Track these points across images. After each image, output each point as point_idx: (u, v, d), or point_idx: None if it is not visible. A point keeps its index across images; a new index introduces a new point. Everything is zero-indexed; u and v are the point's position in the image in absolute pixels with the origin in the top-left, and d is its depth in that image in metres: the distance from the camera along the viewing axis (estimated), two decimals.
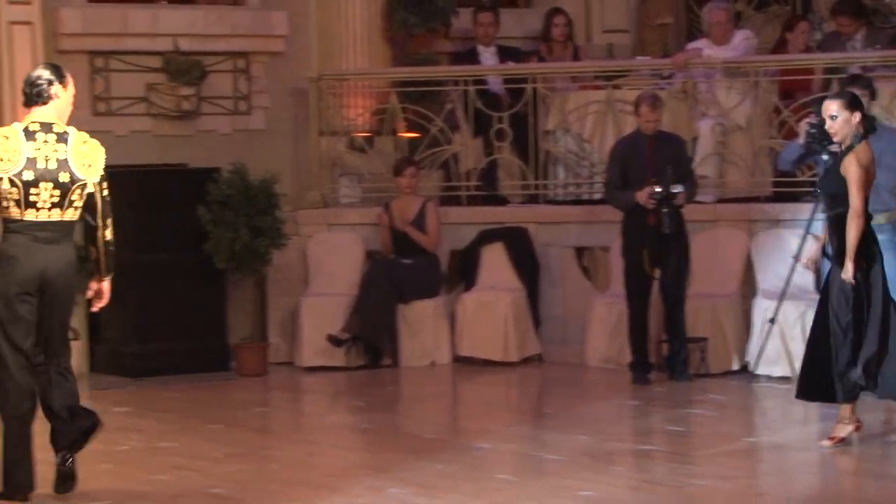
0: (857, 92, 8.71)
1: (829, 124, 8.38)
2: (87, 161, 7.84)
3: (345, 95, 12.92)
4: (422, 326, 12.01)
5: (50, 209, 7.70)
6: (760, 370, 10.84)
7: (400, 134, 12.83)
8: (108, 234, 7.90)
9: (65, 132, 7.84)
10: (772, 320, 10.72)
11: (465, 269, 12.35)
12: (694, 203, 11.10)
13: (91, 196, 7.83)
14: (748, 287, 11.39)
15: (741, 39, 12.37)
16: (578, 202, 12.42)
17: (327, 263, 12.32)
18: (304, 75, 12.81)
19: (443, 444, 8.95)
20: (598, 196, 12.06)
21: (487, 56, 13.06)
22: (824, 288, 8.62)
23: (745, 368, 11.00)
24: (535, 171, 12.43)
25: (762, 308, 10.95)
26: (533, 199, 12.59)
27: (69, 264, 7.82)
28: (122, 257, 11.86)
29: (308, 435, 9.50)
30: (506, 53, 13.11)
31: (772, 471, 8.33)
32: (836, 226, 8.42)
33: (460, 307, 12.03)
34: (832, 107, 8.37)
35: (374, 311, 11.83)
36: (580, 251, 12.27)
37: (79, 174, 7.77)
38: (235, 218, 11.68)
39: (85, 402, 10.92)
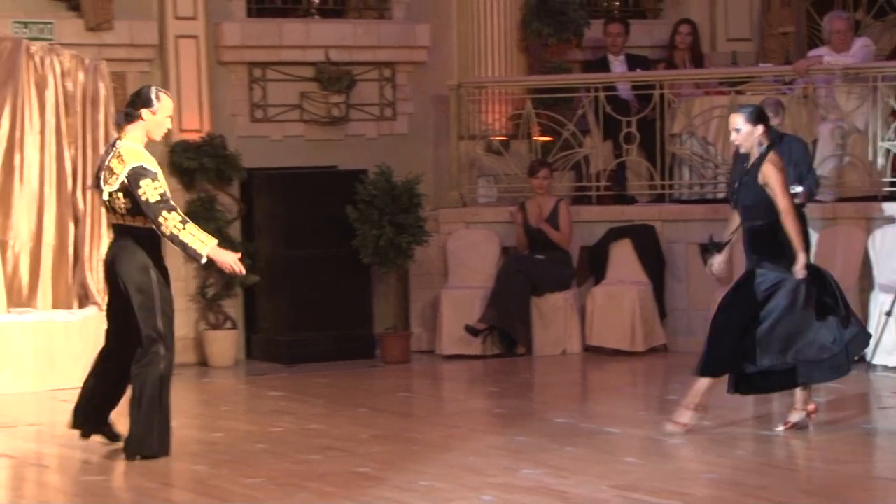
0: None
1: (733, 136, 8.35)
2: (113, 173, 7.95)
3: (483, 102, 12.89)
4: (554, 318, 11.94)
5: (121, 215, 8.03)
6: (877, 360, 10.62)
7: (534, 137, 12.77)
8: (165, 230, 7.87)
9: (115, 146, 8.10)
10: (888, 313, 10.52)
11: (594, 264, 12.27)
12: (814, 202, 10.89)
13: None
14: (866, 281, 11.17)
15: (860, 47, 12.12)
16: (703, 201, 12.27)
17: (465, 258, 12.30)
18: (445, 83, 12.81)
19: (573, 429, 8.87)
20: (721, 195, 11.91)
21: (617, 64, 12.96)
22: (744, 292, 8.40)
23: (862, 359, 10.76)
24: (662, 171, 12.30)
25: (879, 301, 10.77)
26: (659, 199, 12.45)
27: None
28: (277, 253, 12.07)
29: (447, 419, 9.49)
30: (634, 61, 13.00)
31: (888, 456, 8.13)
32: (754, 237, 8.32)
33: (590, 299, 11.94)
34: (736, 120, 8.33)
35: (510, 303, 11.79)
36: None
37: (102, 184, 7.97)
38: (381, 216, 11.72)
39: (242, 387, 11.14)
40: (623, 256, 12.07)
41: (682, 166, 12.48)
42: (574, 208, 12.25)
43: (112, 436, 8.34)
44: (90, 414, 8.30)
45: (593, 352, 11.86)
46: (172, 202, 7.94)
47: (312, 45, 12.56)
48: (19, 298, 11.00)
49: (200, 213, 11.92)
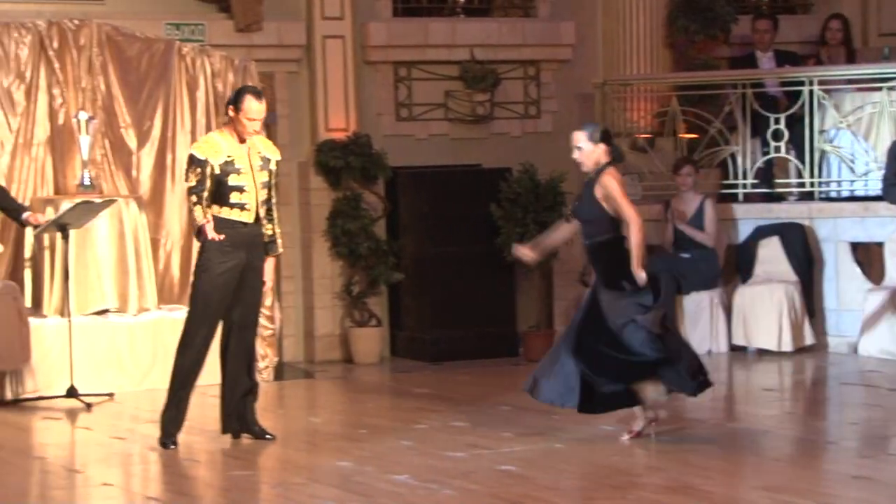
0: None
1: (574, 153, 8.21)
2: None
3: (628, 99, 12.77)
4: (699, 317, 11.79)
5: None
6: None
7: (680, 135, 12.62)
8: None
9: None
10: None
11: (741, 263, 12.08)
12: None
13: None
14: None
15: None
16: (853, 198, 12.01)
17: None
18: (589, 81, 12.73)
19: (719, 429, 8.75)
20: (872, 192, 11.65)
21: (765, 60, 12.74)
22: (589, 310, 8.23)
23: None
24: (811, 168, 12.06)
25: None
26: (808, 196, 12.21)
27: None
28: (421, 250, 12.10)
29: (592, 417, 9.36)
30: (783, 57, 12.76)
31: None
32: (596, 253, 8.20)
33: (737, 299, 11.76)
34: (578, 137, 8.18)
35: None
36: (854, 245, 11.86)
37: None
38: (524, 214, 11.69)
39: (386, 384, 11.19)
40: (771, 255, 11.87)
41: (832, 163, 12.22)
42: (721, 206, 12.08)
43: (259, 434, 8.42)
44: (235, 415, 8.39)
45: (740, 351, 11.68)
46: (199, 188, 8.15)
47: (457, 44, 12.57)
48: (171, 296, 11.17)
49: (346, 212, 12.01)
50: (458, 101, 12.62)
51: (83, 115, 10.91)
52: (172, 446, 8.21)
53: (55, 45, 11.17)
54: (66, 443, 8.86)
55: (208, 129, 11.34)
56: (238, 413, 8.40)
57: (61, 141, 11.17)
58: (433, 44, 12.55)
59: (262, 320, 10.97)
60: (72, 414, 9.61)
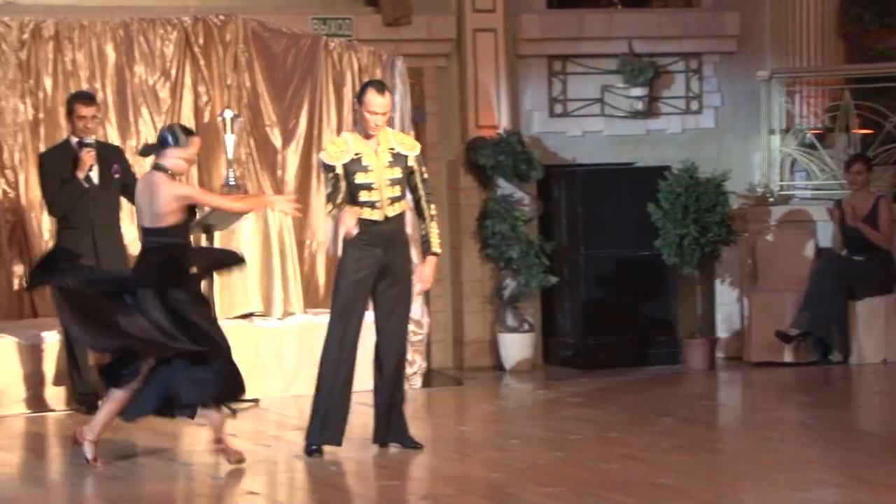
0: None
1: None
2: None
3: (797, 93, 12.69)
4: (874, 323, 11.68)
5: None
6: None
7: (853, 131, 12.50)
8: None
9: None
10: None
11: None
12: None
13: None
14: None
15: None
16: None
17: (776, 259, 12.15)
18: (755, 74, 12.67)
19: (894, 443, 8.67)
20: None
21: None
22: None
23: None
24: None
25: None
26: None
27: None
28: (575, 253, 12.16)
29: (755, 429, 9.39)
30: None
31: None
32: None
33: None
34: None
35: (825, 307, 11.58)
36: None
37: None
38: (684, 215, 11.66)
39: (538, 392, 11.24)
40: None
41: None
42: None
43: (408, 443, 8.56)
44: (385, 423, 8.56)
45: None
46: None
47: (615, 36, 12.58)
48: (316, 299, 11.38)
49: (497, 212, 12.09)
50: (615, 96, 12.64)
51: (228, 114, 11.18)
52: (317, 455, 8.39)
53: (200, 41, 11.47)
54: (211, 450, 9.11)
55: (355, 126, 11.55)
56: (389, 421, 8.55)
57: (206, 140, 11.46)
58: (589, 36, 12.58)
59: (410, 325, 11.17)
60: None
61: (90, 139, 10.24)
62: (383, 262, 8.38)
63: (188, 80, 11.45)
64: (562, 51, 12.60)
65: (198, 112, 11.47)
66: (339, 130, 11.46)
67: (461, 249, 12.31)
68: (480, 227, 12.21)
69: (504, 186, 12.20)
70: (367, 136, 8.38)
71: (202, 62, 11.47)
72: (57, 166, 10.17)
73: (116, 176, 10.24)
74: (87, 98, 10.32)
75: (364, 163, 8.33)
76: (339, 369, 8.37)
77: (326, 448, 8.43)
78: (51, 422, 10.00)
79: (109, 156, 10.33)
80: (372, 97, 8.32)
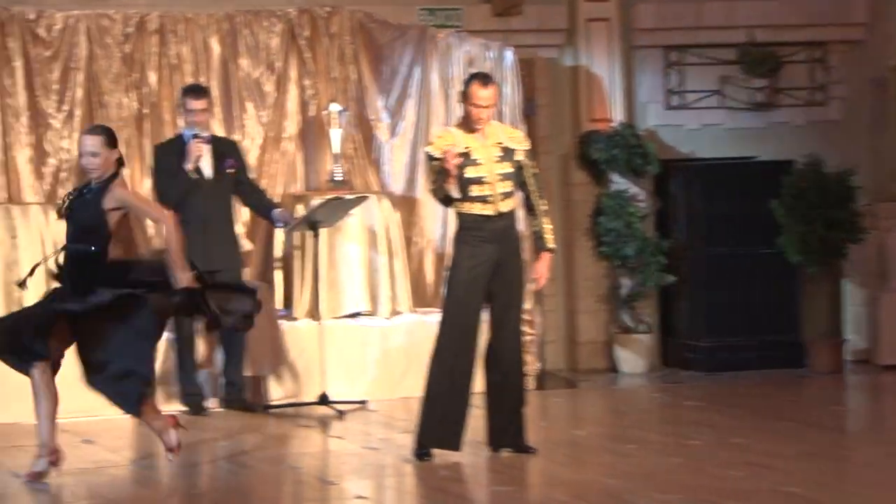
0: None
1: (88, 160, 7.97)
2: None
3: None
4: None
5: None
6: None
7: None
8: None
9: None
10: None
11: None
12: None
13: None
14: None
15: None
16: None
17: None
18: (884, 63, 12.42)
19: None
20: None
21: None
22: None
23: None
24: None
25: None
26: None
27: None
28: (694, 251, 12.01)
29: (886, 435, 9.20)
30: None
31: None
32: (79, 261, 7.92)
33: None
34: (91, 143, 7.96)
35: None
36: None
37: None
38: (809, 211, 11.48)
39: (655, 395, 11.12)
40: None
41: None
42: None
43: (521, 447, 8.48)
44: (498, 426, 8.48)
45: None
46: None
47: (735, 25, 12.43)
48: (425, 298, 11.33)
49: (611, 209, 11.99)
50: (735, 88, 12.49)
51: (334, 107, 11.18)
52: (427, 459, 8.33)
53: (306, 33, 11.47)
54: (318, 452, 9.10)
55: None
56: (503, 425, 8.47)
57: (312, 134, 11.47)
58: (707, 25, 12.43)
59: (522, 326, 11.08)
60: (324, 422, 9.86)
61: (204, 133, 10.23)
62: (496, 259, 8.31)
63: (293, 74, 11.46)
64: (679, 40, 12.47)
65: (303, 106, 11.47)
66: (447, 124, 11.39)
67: (574, 247, 12.21)
68: (594, 224, 12.11)
69: (618, 182, 12.10)
70: (472, 131, 8.31)
71: (308, 55, 11.46)
72: (167, 158, 10.19)
73: (230, 171, 10.22)
74: (197, 91, 10.33)
75: (474, 157, 8.27)
76: (456, 370, 8.29)
77: (437, 452, 8.36)
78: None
79: (224, 150, 10.32)
80: (476, 90, 8.26)
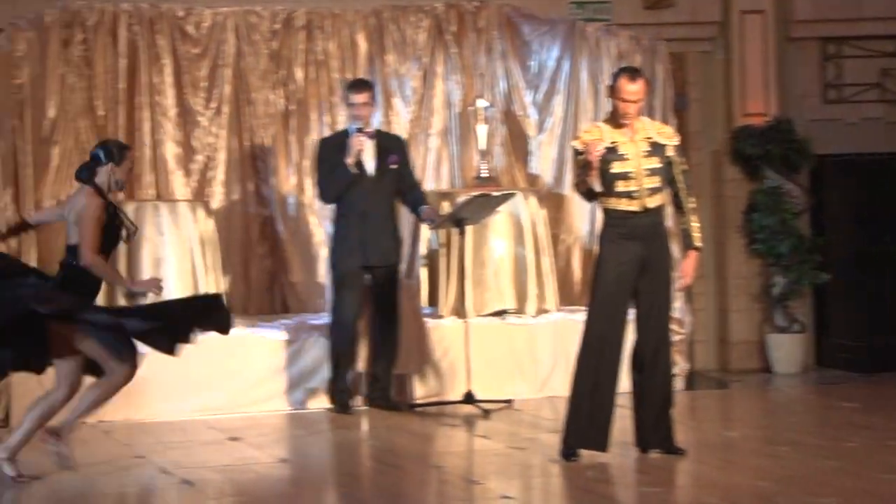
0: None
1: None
2: None
3: None
4: None
5: None
6: None
7: None
8: None
9: None
10: None
11: None
12: None
13: None
14: None
15: None
16: None
17: None
18: None
19: None
20: None
21: None
22: None
23: None
24: None
25: None
26: None
27: None
28: (851, 248, 11.81)
29: None
30: None
31: None
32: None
33: None
34: None
35: None
36: None
37: None
38: None
39: (810, 396, 10.95)
40: None
41: None
42: None
43: (671, 448, 8.40)
44: (647, 427, 8.41)
45: None
46: None
47: None
48: (572, 296, 11.28)
49: (765, 205, 11.86)
50: None
51: (481, 103, 11.18)
52: (574, 459, 8.29)
53: (453, 28, 11.49)
54: (463, 451, 9.10)
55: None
56: (651, 425, 8.40)
57: (458, 130, 11.49)
58: (868, 17, 12.23)
59: (671, 325, 10.97)
60: (469, 421, 9.86)
61: (369, 127, 10.24)
62: (642, 257, 8.24)
63: (440, 69, 11.49)
64: (837, 32, 12.30)
65: (449, 101, 11.48)
66: (595, 120, 11.34)
67: (726, 244, 12.08)
68: (747, 220, 11.98)
69: (773, 178, 11.94)
70: (620, 126, 8.25)
71: (454, 50, 11.48)
72: (330, 152, 10.22)
73: (393, 166, 10.23)
74: (358, 85, 10.33)
75: (620, 151, 8.22)
76: (601, 370, 8.24)
77: (584, 452, 8.31)
78: (303, 419, 10.12)
79: (389, 145, 10.31)
80: (624, 84, 8.20)
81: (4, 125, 10.18)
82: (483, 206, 10.31)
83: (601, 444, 8.29)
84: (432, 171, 11.44)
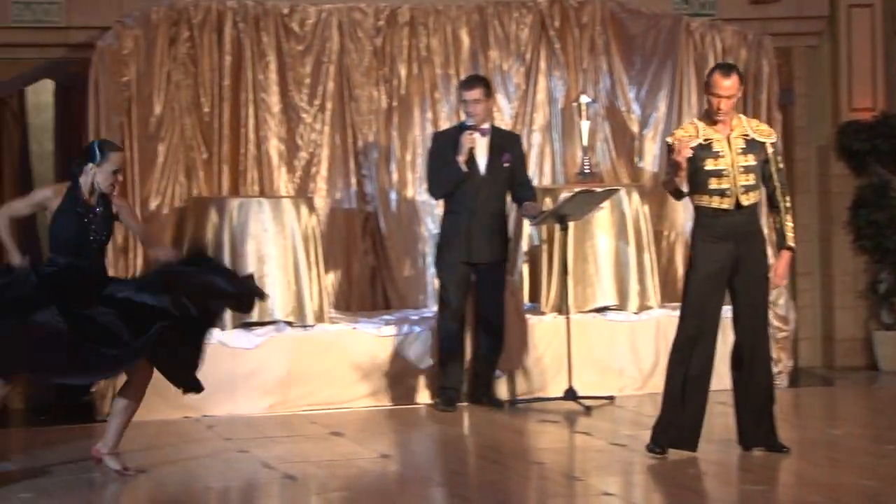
0: None
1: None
2: None
3: None
4: None
5: None
6: None
7: None
8: None
9: None
10: None
11: None
12: None
13: None
14: None
15: None
16: None
17: None
18: None
19: None
20: None
21: None
22: None
23: None
24: None
25: None
26: None
27: None
28: None
29: None
30: None
31: None
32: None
33: None
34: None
35: None
36: None
37: None
38: None
39: None
40: None
41: None
42: None
43: (774, 446, 8.34)
44: (749, 425, 8.36)
45: None
46: None
47: None
48: (674, 293, 11.20)
49: (872, 201, 11.74)
50: None
51: (584, 99, 11.14)
52: (659, 454, 8.26)
53: (556, 24, 11.48)
54: (564, 448, 9.10)
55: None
56: (753, 422, 8.34)
57: (561, 126, 11.47)
58: None
59: (775, 321, 10.89)
60: (570, 417, 9.85)
61: (484, 124, 10.23)
62: (735, 256, 8.18)
63: (542, 65, 11.47)
64: None
65: (551, 98, 11.47)
66: (700, 116, 11.26)
67: (831, 240, 11.96)
68: (853, 216, 11.85)
69: (881, 173, 11.79)
70: (715, 122, 8.19)
71: (557, 45, 11.47)
72: (443, 147, 10.22)
73: (506, 164, 10.21)
74: (469, 82, 10.29)
75: (715, 149, 8.17)
76: (693, 370, 8.20)
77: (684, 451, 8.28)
78: (405, 415, 10.16)
79: (503, 143, 10.28)
80: (718, 79, 8.15)
81: (112, 122, 10.32)
82: (585, 202, 10.28)
83: (690, 444, 8.28)
84: (535, 166, 11.42)
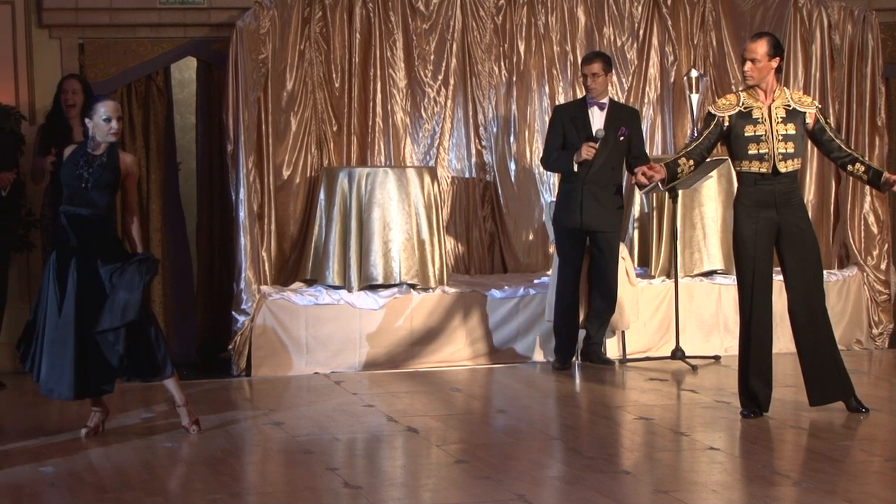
0: None
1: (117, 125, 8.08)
2: None
3: None
4: None
5: None
6: None
7: None
8: None
9: None
10: None
11: None
12: None
13: None
14: None
15: None
16: None
17: None
18: None
19: None
20: None
21: None
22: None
23: None
24: None
25: None
26: None
27: None
28: None
29: None
30: None
31: None
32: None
33: None
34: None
35: None
36: None
37: None
38: None
39: None
40: None
41: None
42: None
43: (853, 407, 8.25)
44: (819, 384, 8.27)
45: None
46: None
47: None
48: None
49: None
50: None
51: (694, 73, 11.04)
52: (750, 417, 8.22)
53: (669, 1, 11.38)
54: (671, 405, 9.06)
55: (822, 84, 11.21)
56: (818, 383, 8.24)
57: (672, 99, 11.38)
58: None
59: (876, 285, 10.74)
60: (677, 376, 9.81)
61: (602, 98, 10.17)
62: (777, 223, 8.17)
63: (655, 41, 11.38)
64: None
65: (663, 72, 11.39)
66: (804, 90, 11.13)
67: None
68: None
69: None
70: (751, 90, 8.17)
71: (669, 22, 11.37)
72: (562, 120, 10.16)
73: (621, 138, 10.14)
74: (588, 58, 10.22)
75: (754, 116, 8.16)
76: (754, 331, 8.20)
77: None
78: (521, 373, 10.17)
79: (620, 116, 10.21)
80: (747, 42, 8.24)
81: (249, 97, 10.42)
82: (695, 171, 10.16)
83: (763, 403, 8.26)
84: (647, 138, 11.33)
